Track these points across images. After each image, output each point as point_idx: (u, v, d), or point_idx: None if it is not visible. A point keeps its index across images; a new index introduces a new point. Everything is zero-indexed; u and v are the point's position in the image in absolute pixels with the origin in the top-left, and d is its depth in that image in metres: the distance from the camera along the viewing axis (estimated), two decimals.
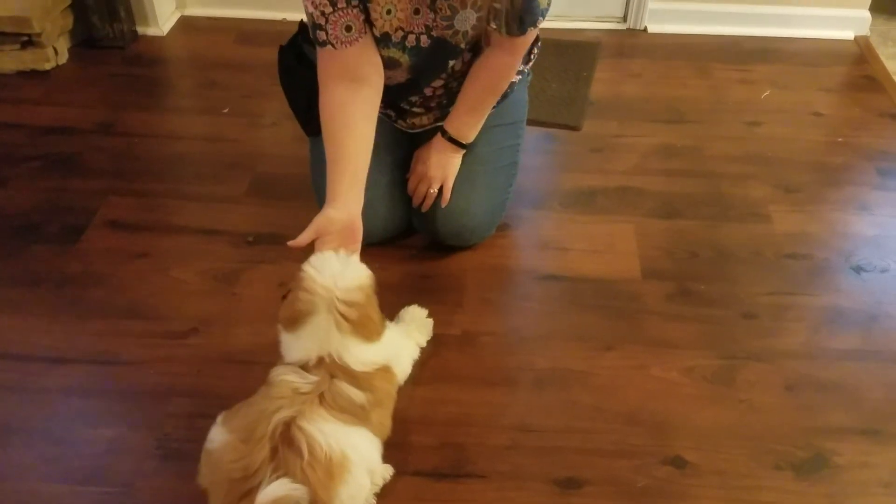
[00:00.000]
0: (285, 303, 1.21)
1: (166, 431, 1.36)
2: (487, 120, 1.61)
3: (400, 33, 1.42)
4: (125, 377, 1.46)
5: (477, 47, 1.53)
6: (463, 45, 1.46)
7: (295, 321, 1.18)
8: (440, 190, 1.61)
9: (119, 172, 1.94)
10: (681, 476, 1.32)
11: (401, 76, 1.51)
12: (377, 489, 1.25)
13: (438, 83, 1.55)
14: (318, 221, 1.30)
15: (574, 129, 2.11)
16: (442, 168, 1.60)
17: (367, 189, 1.62)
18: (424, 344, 1.47)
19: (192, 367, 1.48)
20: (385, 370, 1.26)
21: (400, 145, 1.69)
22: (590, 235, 1.78)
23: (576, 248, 1.75)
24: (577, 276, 1.68)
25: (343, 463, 1.11)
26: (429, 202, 1.62)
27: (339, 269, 1.18)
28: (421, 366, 1.42)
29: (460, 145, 1.60)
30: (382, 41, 1.42)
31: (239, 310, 1.59)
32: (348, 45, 1.37)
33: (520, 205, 1.84)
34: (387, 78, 1.48)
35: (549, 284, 1.67)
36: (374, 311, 1.22)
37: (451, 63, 1.50)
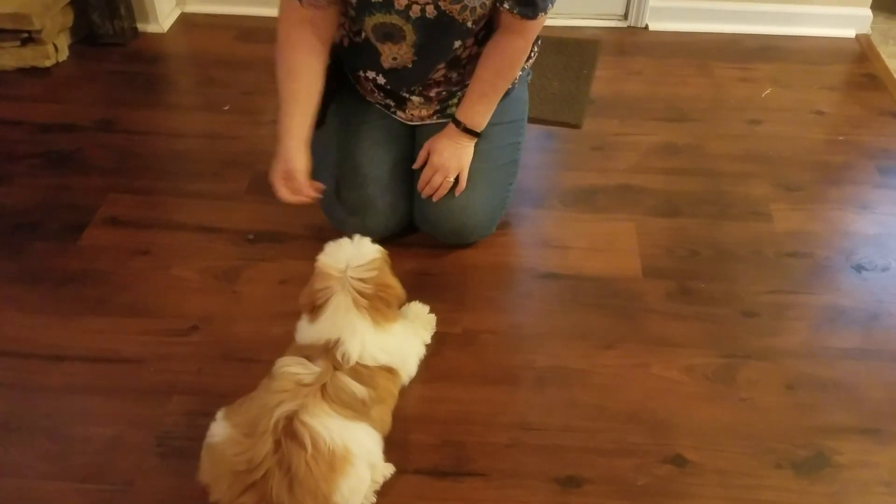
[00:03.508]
0: (304, 290, 1.24)
1: (166, 429, 1.36)
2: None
3: (404, 0, 1.41)
4: (125, 375, 1.46)
5: (483, 37, 1.52)
6: (469, 24, 1.45)
7: (315, 307, 1.21)
8: (455, 180, 1.61)
9: (119, 170, 1.93)
10: (681, 475, 1.32)
11: (406, 56, 1.50)
12: (378, 487, 1.25)
13: (441, 71, 1.55)
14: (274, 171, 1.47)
15: (574, 127, 2.10)
16: (458, 158, 1.60)
17: (368, 186, 1.63)
18: (428, 340, 1.47)
19: (192, 364, 1.47)
20: (389, 370, 1.26)
21: (400, 141, 1.68)
22: (590, 234, 1.78)
23: (576, 247, 1.75)
24: (578, 274, 1.68)
25: (345, 456, 1.12)
26: (443, 191, 1.62)
27: (350, 251, 1.23)
28: (422, 364, 1.42)
29: (473, 133, 1.60)
30: (385, 6, 1.42)
31: (239, 307, 1.59)
32: (315, 8, 1.43)
33: (520, 203, 1.84)
34: (393, 59, 1.49)
35: (550, 283, 1.67)
36: (391, 279, 1.26)
37: (457, 45, 1.49)
